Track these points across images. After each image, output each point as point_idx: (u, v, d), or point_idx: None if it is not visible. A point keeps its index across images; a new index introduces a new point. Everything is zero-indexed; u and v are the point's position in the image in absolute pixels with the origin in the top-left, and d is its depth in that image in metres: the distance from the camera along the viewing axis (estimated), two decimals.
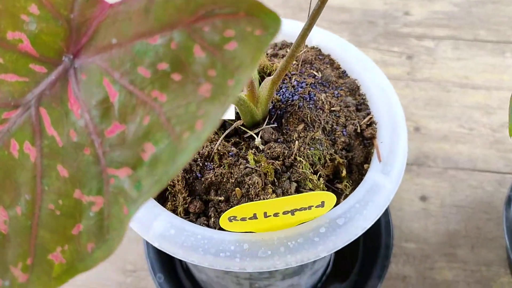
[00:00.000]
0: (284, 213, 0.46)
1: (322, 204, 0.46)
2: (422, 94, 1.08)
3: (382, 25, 1.22)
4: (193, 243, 0.47)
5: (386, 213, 0.80)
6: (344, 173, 0.54)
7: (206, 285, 0.73)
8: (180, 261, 0.79)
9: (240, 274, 0.61)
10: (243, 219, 0.45)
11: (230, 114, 0.57)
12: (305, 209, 0.46)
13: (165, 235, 0.47)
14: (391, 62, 1.13)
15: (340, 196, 0.54)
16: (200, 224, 0.50)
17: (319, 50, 0.64)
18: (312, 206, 0.46)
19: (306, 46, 0.65)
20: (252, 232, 0.48)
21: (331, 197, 0.45)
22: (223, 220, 0.44)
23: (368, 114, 0.57)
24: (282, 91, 0.58)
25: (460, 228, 0.88)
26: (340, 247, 0.48)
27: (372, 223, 0.49)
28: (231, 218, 0.45)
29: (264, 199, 0.50)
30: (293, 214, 0.46)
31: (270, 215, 0.45)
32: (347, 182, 0.54)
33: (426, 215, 0.89)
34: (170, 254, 0.48)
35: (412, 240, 0.86)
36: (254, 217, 0.45)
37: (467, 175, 0.94)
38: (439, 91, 1.08)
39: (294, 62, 0.61)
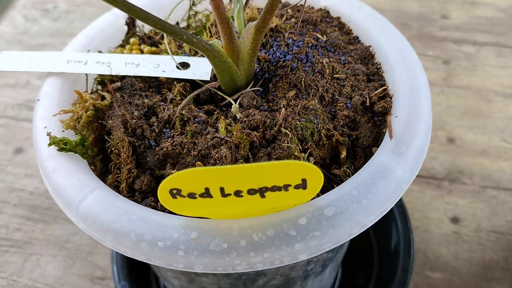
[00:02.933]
0: (249, 192, 0.33)
1: (303, 184, 0.32)
2: (458, 102, 0.93)
3: (416, 27, 1.09)
4: (124, 225, 0.34)
5: (407, 230, 0.65)
6: (343, 154, 0.41)
7: None
8: (152, 268, 0.66)
9: (208, 285, 0.47)
10: (191, 195, 0.32)
11: (204, 74, 0.45)
12: (279, 189, 0.33)
13: (92, 212, 0.35)
14: (424, 66, 0.99)
15: (337, 185, 0.41)
16: (146, 206, 0.38)
17: (327, 12, 0.52)
18: (290, 185, 0.32)
19: (312, 7, 0.53)
20: (207, 218, 0.36)
21: (315, 173, 0.32)
22: (163, 194, 0.32)
23: (382, 85, 0.44)
24: (273, 50, 0.45)
25: (498, 259, 0.71)
26: (328, 249, 0.34)
27: (376, 220, 0.36)
28: (174, 191, 0.32)
29: None
30: (263, 196, 0.33)
31: (230, 194, 0.33)
32: (348, 167, 0.41)
33: (458, 240, 0.74)
34: (98, 240, 0.36)
35: (439, 269, 0.70)
36: (208, 194, 0.32)
37: (510, 197, 0.78)
38: (479, 100, 0.93)
39: (293, 20, 0.49)
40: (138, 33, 0.51)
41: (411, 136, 0.38)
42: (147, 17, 0.32)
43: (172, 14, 0.53)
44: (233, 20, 0.45)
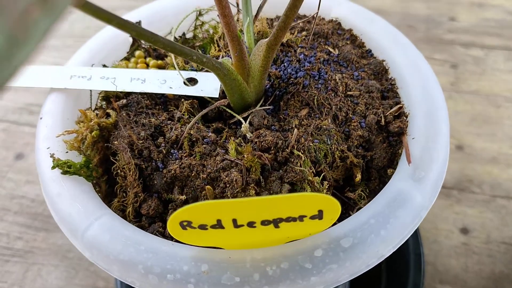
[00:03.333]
0: (263, 223, 0.31)
1: (319, 215, 0.31)
2: (467, 108, 0.91)
3: (423, 30, 1.07)
4: (132, 256, 0.33)
5: (417, 244, 0.64)
6: (358, 177, 0.39)
7: None
8: None
9: None
10: (202, 227, 0.31)
11: (212, 91, 0.43)
12: (294, 219, 0.31)
13: (97, 241, 0.34)
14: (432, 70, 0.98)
15: (352, 210, 0.39)
16: (152, 232, 0.37)
17: (339, 23, 0.50)
18: (305, 216, 0.31)
19: (323, 19, 0.51)
20: (218, 248, 0.34)
21: (332, 204, 0.30)
22: (172, 226, 0.30)
23: (397, 103, 0.42)
24: (284, 66, 0.44)
25: (509, 272, 0.70)
26: (344, 281, 0.33)
27: (394, 249, 0.34)
28: (185, 223, 0.30)
29: None
30: (277, 226, 0.32)
31: (243, 224, 0.31)
32: (362, 191, 0.39)
33: (467, 252, 0.72)
34: (104, 269, 0.35)
35: (449, 282, 0.69)
36: (219, 225, 0.31)
37: None
38: (488, 105, 0.91)
39: (304, 33, 0.47)
40: (143, 45, 0.49)
41: (430, 160, 0.36)
42: (157, 40, 0.30)
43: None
44: (243, 34, 0.44)
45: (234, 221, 0.31)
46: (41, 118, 0.41)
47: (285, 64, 0.44)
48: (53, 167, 0.37)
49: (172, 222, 0.30)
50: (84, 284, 0.72)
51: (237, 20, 0.50)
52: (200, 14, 0.51)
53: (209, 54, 0.47)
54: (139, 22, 0.50)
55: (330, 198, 0.30)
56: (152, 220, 0.38)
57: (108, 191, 0.40)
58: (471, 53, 1.02)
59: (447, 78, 0.97)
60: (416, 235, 0.64)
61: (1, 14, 0.15)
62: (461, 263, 0.71)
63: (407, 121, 0.41)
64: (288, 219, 0.31)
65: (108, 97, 0.44)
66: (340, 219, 0.36)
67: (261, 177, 0.37)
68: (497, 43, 1.03)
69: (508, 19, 1.08)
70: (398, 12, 1.12)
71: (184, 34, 0.52)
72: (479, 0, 1.13)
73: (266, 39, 0.38)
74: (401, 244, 0.34)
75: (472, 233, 0.74)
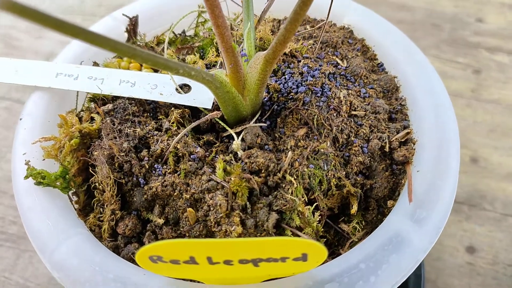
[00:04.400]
0: (241, 261, 0.28)
1: (303, 257, 0.28)
2: (486, 117, 0.86)
3: (448, 30, 1.01)
4: (98, 285, 0.30)
5: (418, 265, 0.61)
6: (354, 209, 0.36)
7: None
8: None
9: None
10: (174, 261, 0.28)
11: (206, 101, 0.40)
12: (275, 260, 0.28)
13: (65, 265, 0.31)
14: (453, 75, 0.93)
15: (344, 242, 0.36)
16: (126, 255, 0.34)
17: (351, 31, 0.46)
18: (288, 258, 0.28)
19: (334, 24, 0.47)
20: (194, 281, 0.32)
21: (318, 250, 0.27)
22: (141, 260, 0.28)
23: (405, 127, 0.39)
24: (285, 78, 0.40)
25: None
26: None
27: None
28: (155, 257, 0.28)
29: (226, 231, 0.33)
30: (256, 265, 0.29)
31: (218, 262, 0.28)
32: (358, 223, 0.36)
33: (472, 272, 0.69)
34: None
35: None
36: (192, 261, 0.28)
37: None
38: (509, 116, 0.86)
39: (311, 41, 0.44)
40: (139, 42, 0.46)
41: (435, 200, 0.33)
42: (135, 54, 0.27)
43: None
44: (243, 40, 0.40)
45: (209, 258, 0.28)
46: (20, 119, 0.39)
47: (286, 76, 0.40)
48: (26, 177, 0.35)
49: (141, 256, 0.28)
50: None
51: (241, 21, 0.46)
52: (202, 11, 0.47)
53: (208, 57, 0.44)
54: (136, 17, 0.47)
55: (315, 244, 0.27)
56: (129, 240, 0.35)
57: (87, 202, 0.38)
58: (496, 58, 0.96)
59: (468, 84, 0.92)
60: None
61: None
62: (464, 283, 0.68)
63: (414, 149, 0.37)
64: (269, 260, 0.29)
65: (96, 99, 0.41)
66: (331, 253, 0.33)
67: (248, 202, 0.34)
68: None
69: None
70: (423, 8, 1.06)
71: (184, 31, 0.48)
72: (510, 1, 1.07)
73: (264, 52, 0.35)
74: None
75: (479, 252, 0.71)
